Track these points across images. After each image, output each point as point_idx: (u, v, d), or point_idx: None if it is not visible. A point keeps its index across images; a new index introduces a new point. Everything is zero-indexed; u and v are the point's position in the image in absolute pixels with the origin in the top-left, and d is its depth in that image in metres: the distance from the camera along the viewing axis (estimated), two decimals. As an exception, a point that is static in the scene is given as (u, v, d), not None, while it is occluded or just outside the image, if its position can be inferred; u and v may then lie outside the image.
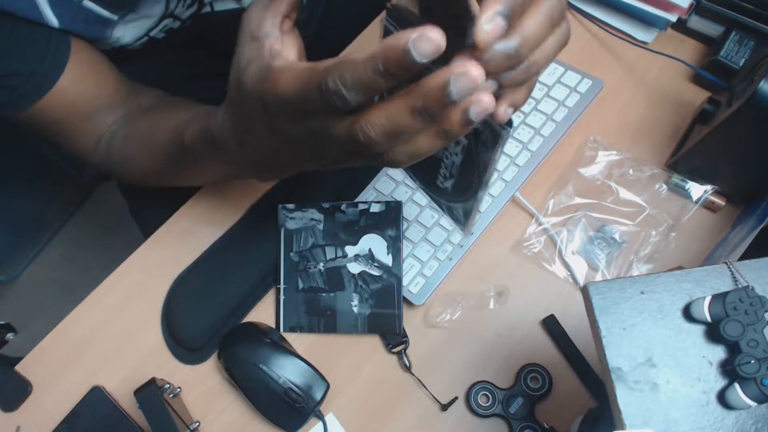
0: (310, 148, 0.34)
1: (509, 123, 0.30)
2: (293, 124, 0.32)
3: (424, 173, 0.44)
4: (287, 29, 0.35)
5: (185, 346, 0.57)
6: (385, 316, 0.55)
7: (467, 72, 0.25)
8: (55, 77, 0.51)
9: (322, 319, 0.56)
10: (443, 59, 0.25)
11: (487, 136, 0.30)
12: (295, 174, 0.41)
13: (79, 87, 0.53)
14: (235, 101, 0.36)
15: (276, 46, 0.33)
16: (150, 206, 0.76)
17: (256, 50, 0.33)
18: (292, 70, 0.30)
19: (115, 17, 0.53)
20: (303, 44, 0.36)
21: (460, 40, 0.27)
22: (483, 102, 0.26)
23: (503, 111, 0.30)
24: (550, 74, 0.62)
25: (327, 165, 0.36)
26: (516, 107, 0.31)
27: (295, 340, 0.57)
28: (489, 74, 0.27)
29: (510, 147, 0.59)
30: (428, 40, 0.24)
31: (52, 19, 0.48)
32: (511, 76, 0.28)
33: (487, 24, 0.25)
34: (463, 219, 0.44)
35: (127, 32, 0.55)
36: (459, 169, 0.38)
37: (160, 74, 0.63)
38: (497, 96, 0.29)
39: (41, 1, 0.47)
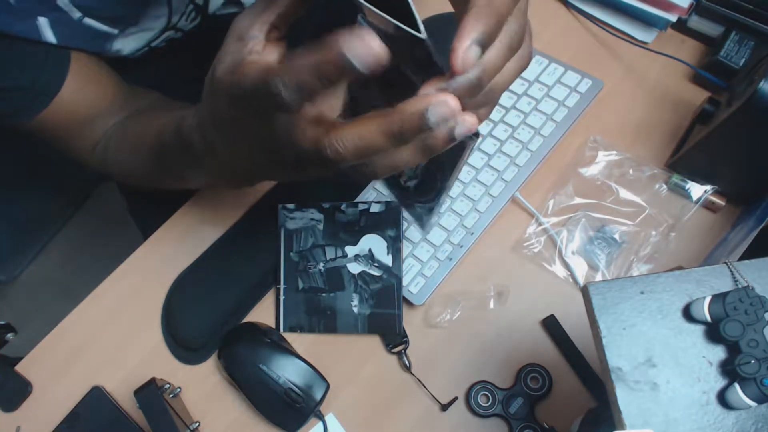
0: (273, 152, 0.34)
1: (476, 133, 0.31)
2: (253, 119, 0.32)
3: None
4: (273, 39, 0.35)
5: (185, 346, 0.57)
6: (385, 316, 0.55)
7: (446, 101, 0.26)
8: (56, 88, 0.51)
9: (322, 319, 0.56)
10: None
11: (454, 145, 0.31)
12: (263, 181, 0.41)
13: (80, 96, 0.53)
14: (207, 96, 0.36)
15: (257, 47, 0.33)
16: (149, 206, 0.77)
17: (238, 48, 0.33)
18: (258, 63, 0.30)
19: (115, 31, 0.53)
20: (284, 54, 0.36)
21: (419, 69, 0.29)
22: (467, 123, 0.27)
23: (471, 122, 0.31)
24: (550, 74, 0.62)
25: (295, 175, 0.36)
26: (480, 121, 0.32)
27: (295, 340, 0.57)
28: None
29: (510, 147, 0.59)
30: (362, 41, 0.24)
31: (51, 39, 0.48)
32: (473, 101, 0.30)
33: (465, 53, 0.26)
34: (424, 218, 0.45)
35: (127, 44, 0.55)
36: (423, 171, 0.38)
37: (160, 77, 0.63)
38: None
39: (41, 23, 0.47)
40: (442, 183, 0.38)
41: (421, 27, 0.26)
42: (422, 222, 0.46)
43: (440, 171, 0.37)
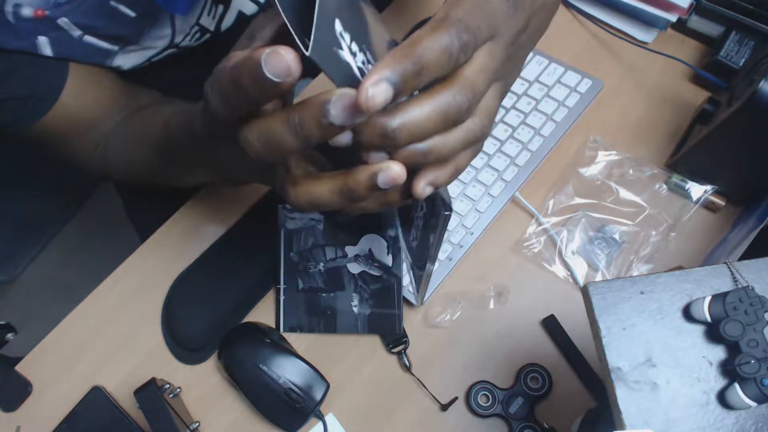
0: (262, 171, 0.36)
1: (449, 207, 0.30)
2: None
3: (407, 228, 0.45)
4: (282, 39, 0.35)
5: (185, 346, 0.57)
6: (385, 316, 0.55)
7: (389, 166, 0.27)
8: (56, 95, 0.51)
9: (322, 319, 0.56)
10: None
11: (434, 219, 0.32)
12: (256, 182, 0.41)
13: (79, 101, 0.53)
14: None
15: (258, 43, 0.33)
16: (147, 207, 0.76)
17: (244, 44, 0.34)
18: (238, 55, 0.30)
19: (115, 48, 0.53)
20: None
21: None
22: (392, 170, 0.27)
23: (421, 188, 0.30)
24: (550, 74, 0.62)
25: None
26: (436, 186, 0.30)
27: (295, 340, 0.57)
28: (363, 145, 0.27)
29: (510, 147, 0.59)
30: (278, 55, 0.24)
31: (49, 54, 0.48)
32: (410, 158, 0.28)
33: (371, 87, 0.24)
34: (417, 284, 0.45)
35: (127, 60, 0.55)
36: (421, 234, 0.39)
37: (159, 88, 0.63)
38: (417, 172, 0.30)
39: (41, 41, 0.47)
40: (428, 253, 0.39)
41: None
42: (416, 287, 0.46)
43: (426, 242, 0.38)
